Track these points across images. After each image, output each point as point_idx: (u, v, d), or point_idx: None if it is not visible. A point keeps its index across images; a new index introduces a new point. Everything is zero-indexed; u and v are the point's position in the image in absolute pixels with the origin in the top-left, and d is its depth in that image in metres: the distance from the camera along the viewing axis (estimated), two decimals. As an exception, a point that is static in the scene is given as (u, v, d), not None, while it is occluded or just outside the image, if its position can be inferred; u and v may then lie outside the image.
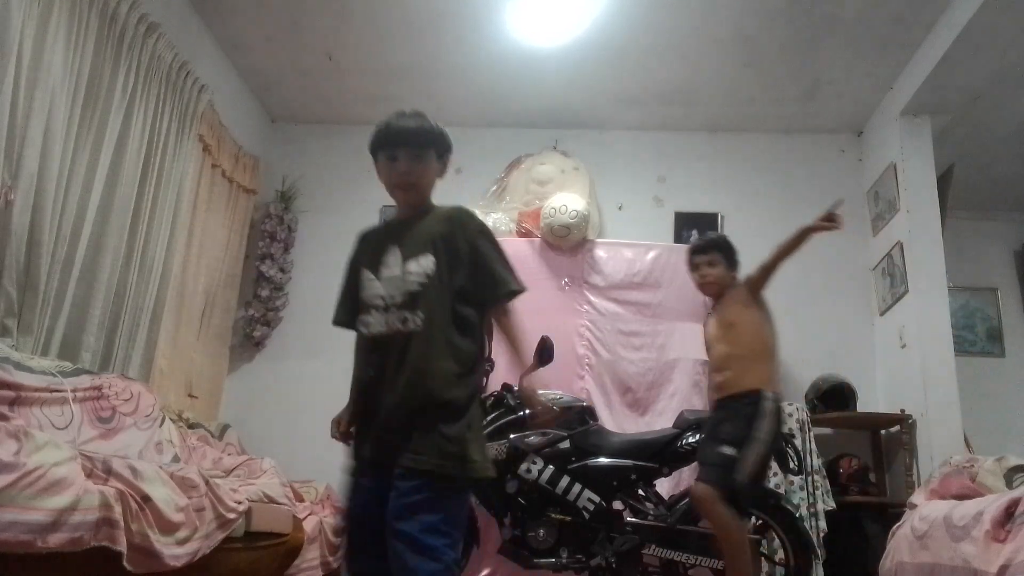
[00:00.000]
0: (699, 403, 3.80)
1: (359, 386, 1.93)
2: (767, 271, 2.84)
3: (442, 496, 1.67)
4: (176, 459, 3.14)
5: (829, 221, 2.78)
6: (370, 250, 1.95)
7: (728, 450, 2.54)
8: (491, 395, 3.30)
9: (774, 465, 3.12)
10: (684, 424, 3.16)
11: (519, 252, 4.10)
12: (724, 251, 2.96)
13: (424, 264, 1.80)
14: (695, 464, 3.40)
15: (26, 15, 2.67)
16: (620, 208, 4.71)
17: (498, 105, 4.67)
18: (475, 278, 1.83)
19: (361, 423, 1.92)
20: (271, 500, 2.92)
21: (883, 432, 4.22)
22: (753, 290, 2.84)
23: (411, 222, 1.91)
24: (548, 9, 3.82)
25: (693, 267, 2.96)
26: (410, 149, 1.91)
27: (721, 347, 2.77)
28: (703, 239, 3.10)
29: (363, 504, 1.77)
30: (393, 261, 1.85)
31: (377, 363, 1.83)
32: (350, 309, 2.02)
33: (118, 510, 1.96)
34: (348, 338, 2.08)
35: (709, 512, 2.60)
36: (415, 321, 1.76)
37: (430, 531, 1.62)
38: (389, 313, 1.81)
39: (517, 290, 1.87)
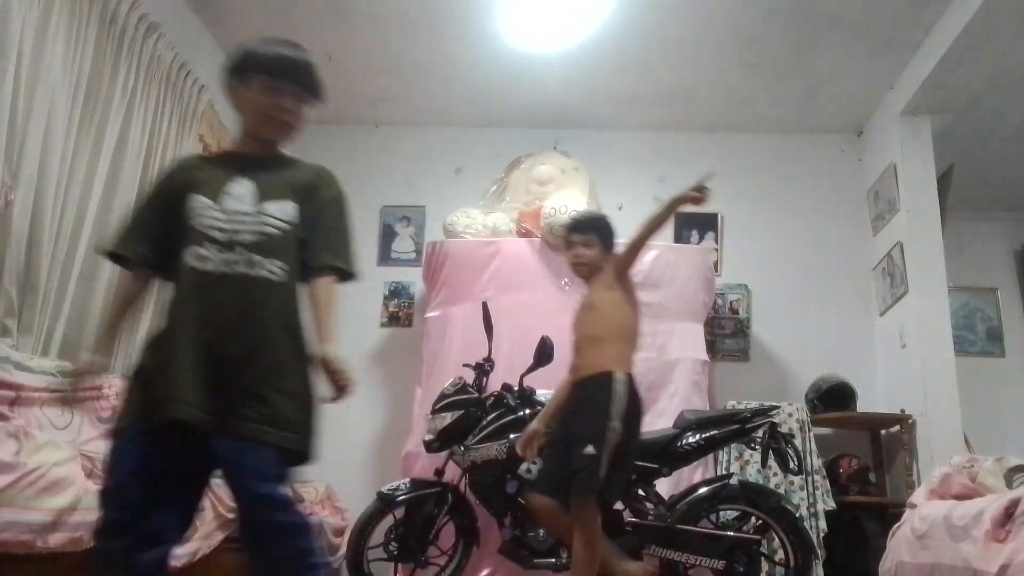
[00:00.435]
0: (699, 403, 3.80)
1: (169, 332, 1.58)
2: (635, 249, 2.74)
3: (289, 462, 1.61)
4: (176, 459, 3.13)
5: (698, 193, 2.64)
6: (204, 176, 1.69)
7: (590, 450, 2.40)
8: (491, 395, 3.30)
9: (774, 465, 3.13)
10: (684, 424, 3.16)
11: (519, 252, 4.10)
12: (602, 233, 2.82)
13: (286, 210, 1.65)
14: (695, 464, 3.43)
15: (26, 15, 2.67)
16: (620, 208, 4.69)
17: (498, 105, 4.67)
18: (315, 238, 1.68)
19: (160, 371, 1.55)
20: (271, 500, 2.91)
21: (883, 432, 4.22)
22: (619, 270, 2.73)
23: (268, 162, 1.74)
24: (548, 10, 3.82)
25: (567, 244, 2.81)
26: (300, 89, 1.73)
27: (581, 329, 2.68)
28: (581, 217, 2.97)
29: (146, 463, 1.52)
30: (243, 194, 1.65)
31: (206, 306, 1.57)
32: (151, 239, 1.68)
33: (118, 510, 1.96)
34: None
35: (552, 523, 2.51)
36: (269, 269, 1.60)
37: (284, 500, 1.57)
38: (232, 252, 1.59)
39: (348, 270, 1.71)
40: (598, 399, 2.50)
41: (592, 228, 2.83)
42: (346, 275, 1.72)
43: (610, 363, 2.56)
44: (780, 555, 3.09)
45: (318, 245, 1.68)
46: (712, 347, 4.28)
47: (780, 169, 4.75)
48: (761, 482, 3.61)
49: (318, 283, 1.67)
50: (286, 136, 1.77)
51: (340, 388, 1.66)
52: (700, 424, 3.13)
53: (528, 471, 3.07)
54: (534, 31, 3.98)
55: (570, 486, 2.43)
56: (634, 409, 2.57)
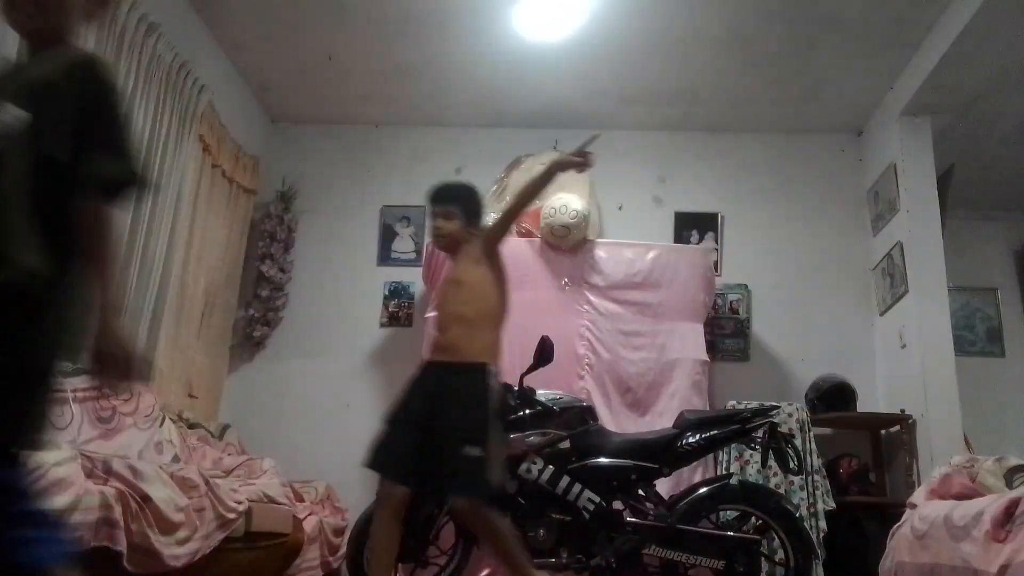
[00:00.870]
0: (699, 403, 3.80)
1: None
2: (508, 220, 2.60)
3: None
4: (176, 459, 3.14)
5: (580, 158, 2.52)
6: None
7: (473, 451, 2.28)
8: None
9: (774, 465, 3.13)
10: (684, 424, 3.16)
11: (519, 252, 4.10)
12: (463, 204, 2.64)
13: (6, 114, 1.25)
14: (695, 464, 3.43)
15: (26, 15, 2.67)
16: (620, 208, 4.71)
17: (498, 105, 4.67)
18: (81, 149, 1.28)
19: None
20: (271, 500, 2.92)
21: (883, 432, 4.22)
22: (489, 244, 2.57)
23: (30, 61, 1.41)
24: (548, 9, 3.82)
25: (431, 215, 2.67)
26: None
27: (449, 306, 2.54)
28: (441, 186, 2.73)
29: None
30: None
31: None
32: None
33: (118, 510, 1.96)
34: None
35: (478, 522, 2.38)
36: None
37: None
38: None
39: (127, 178, 1.33)
40: (475, 394, 2.37)
41: (452, 199, 2.64)
42: (118, 184, 1.32)
43: (484, 353, 2.43)
44: (780, 555, 3.09)
45: (93, 157, 1.29)
46: (712, 347, 4.28)
47: (780, 169, 4.75)
48: (761, 482, 3.61)
49: (92, 210, 1.29)
50: (44, 22, 1.38)
51: (117, 375, 1.29)
52: (700, 424, 3.13)
53: (528, 471, 3.07)
54: (534, 31, 3.98)
55: (451, 485, 2.33)
56: (503, 401, 2.49)
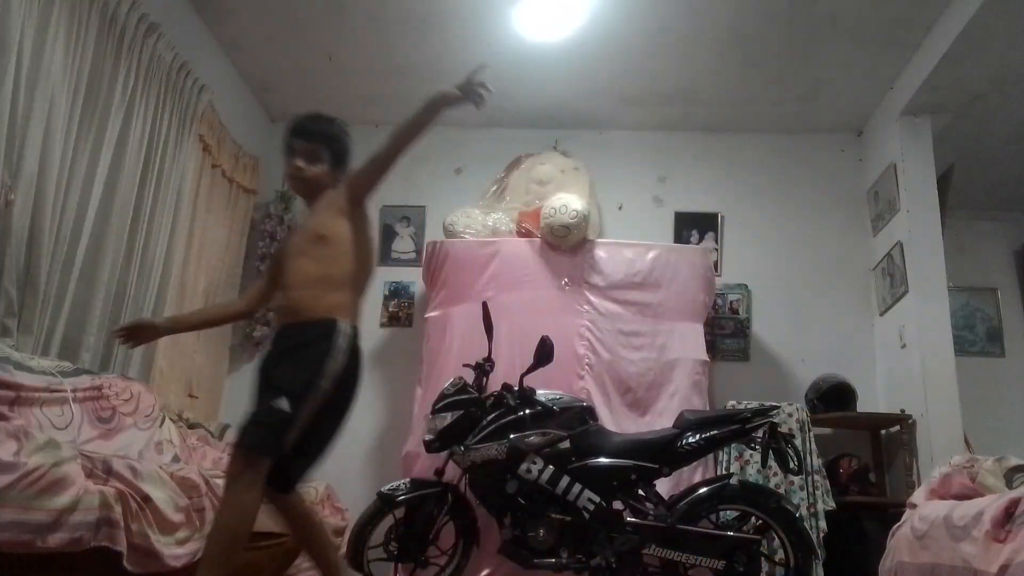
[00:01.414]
0: (699, 403, 3.80)
1: None
2: (380, 168, 2.24)
3: None
4: (176, 459, 3.14)
5: (461, 93, 2.25)
6: None
7: (283, 404, 1.97)
8: (491, 395, 3.30)
9: (774, 465, 3.13)
10: (684, 424, 3.16)
11: (519, 252, 4.10)
12: (333, 144, 2.34)
13: None
14: (695, 464, 3.43)
15: (26, 15, 2.67)
16: (620, 208, 4.71)
17: (498, 105, 4.66)
18: None
19: None
20: (271, 500, 2.91)
21: (883, 432, 4.22)
22: (355, 194, 2.25)
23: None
24: (548, 9, 3.82)
25: (289, 151, 2.34)
26: None
27: (303, 262, 2.20)
28: (307, 119, 2.38)
29: None
30: None
31: None
32: None
33: (118, 510, 1.96)
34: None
35: (233, 483, 1.94)
36: None
37: None
38: None
39: None
40: (312, 349, 2.07)
41: (322, 138, 2.33)
42: None
43: (335, 309, 2.13)
44: (780, 555, 3.09)
45: None
46: (712, 347, 4.28)
47: (780, 169, 4.75)
48: (761, 482, 3.62)
49: None
50: None
51: None
52: (700, 424, 3.13)
53: (528, 471, 3.07)
54: (534, 31, 3.98)
55: (242, 430, 2.01)
56: (352, 373, 2.14)
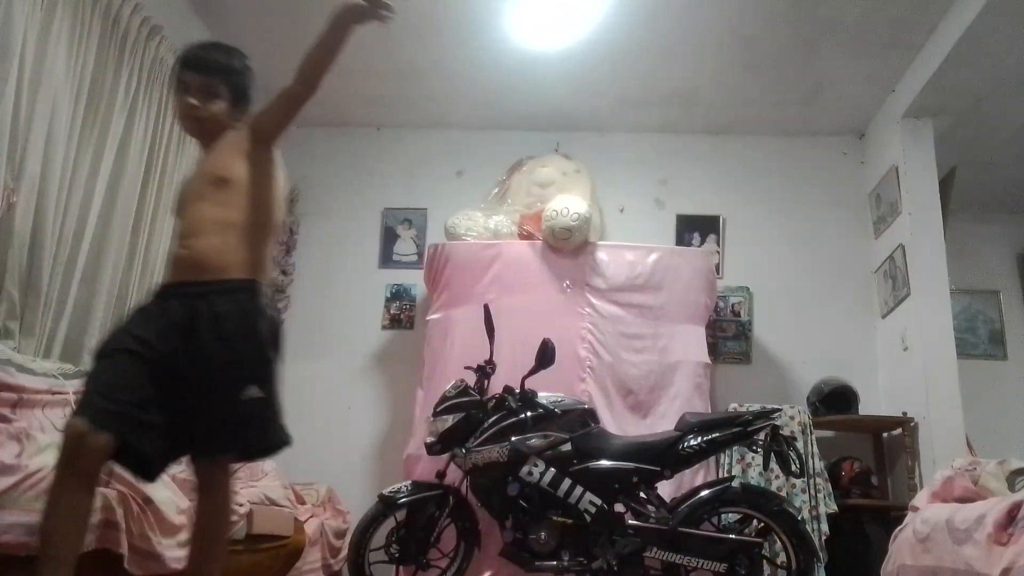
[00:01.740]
0: (701, 406, 3.80)
1: None
2: (291, 103, 2.06)
3: None
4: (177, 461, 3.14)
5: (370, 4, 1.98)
6: None
7: (252, 391, 1.82)
8: (492, 398, 3.30)
9: (776, 468, 3.12)
10: (686, 427, 3.16)
11: (521, 255, 4.10)
12: (233, 79, 2.07)
13: None
14: (697, 467, 3.42)
15: (29, 18, 2.68)
16: (621, 210, 4.71)
17: (500, 108, 4.68)
18: None
19: None
20: (272, 502, 2.92)
21: (885, 435, 4.21)
22: (262, 134, 2.03)
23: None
24: (550, 12, 3.83)
25: (180, 87, 2.03)
26: None
27: (204, 208, 1.94)
28: (202, 50, 2.08)
29: None
30: None
31: None
32: None
33: (119, 512, 1.97)
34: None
35: (223, 488, 1.90)
36: None
37: None
38: None
39: None
40: (244, 321, 1.86)
41: (219, 71, 2.05)
42: None
43: (248, 268, 1.91)
44: (782, 558, 3.09)
45: None
46: (714, 349, 4.28)
47: (782, 171, 4.75)
48: (763, 485, 3.61)
49: None
50: None
51: None
52: (702, 427, 3.13)
53: (530, 474, 3.07)
54: (536, 34, 3.99)
55: (230, 437, 1.84)
56: (273, 329, 1.95)
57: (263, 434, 1.88)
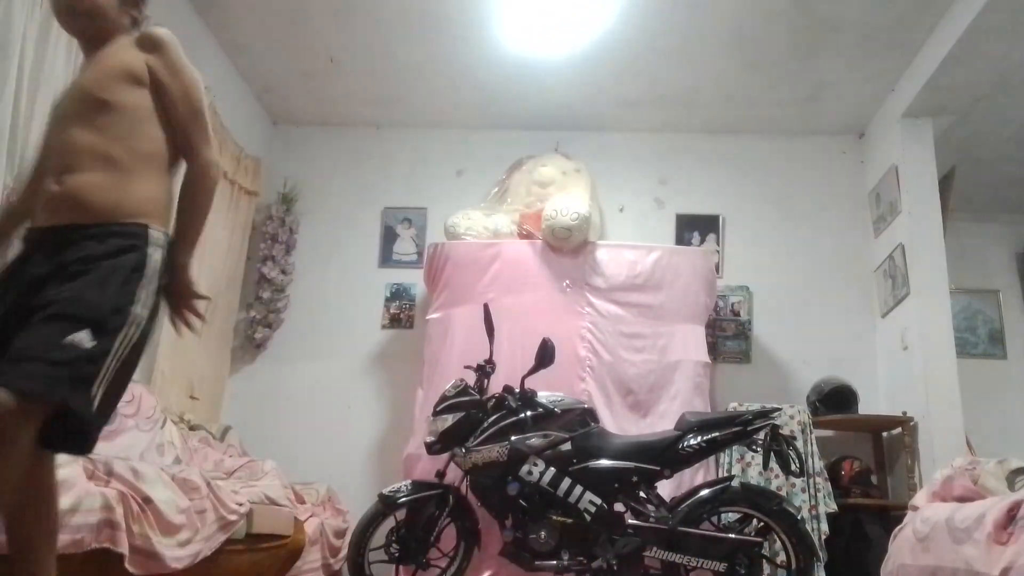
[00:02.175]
0: (701, 405, 3.80)
1: None
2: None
3: None
4: (177, 461, 3.14)
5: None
6: None
7: (83, 339, 1.43)
8: (491, 397, 3.30)
9: (775, 467, 3.12)
10: (686, 426, 3.16)
11: (520, 254, 4.10)
12: None
13: None
14: (697, 466, 3.42)
15: (27, 20, 2.68)
16: (621, 210, 4.71)
17: (499, 107, 4.68)
18: None
19: None
20: (272, 502, 2.92)
21: (885, 434, 4.21)
22: (165, 56, 1.70)
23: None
24: (550, 12, 3.83)
25: None
26: None
27: (79, 134, 1.62)
28: None
29: None
30: None
31: None
32: None
33: (119, 512, 1.97)
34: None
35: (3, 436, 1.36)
36: None
37: None
38: None
39: None
40: (119, 265, 1.53)
41: None
42: None
43: (144, 210, 1.61)
44: (781, 557, 3.09)
45: None
46: (713, 349, 4.29)
47: (781, 171, 4.75)
48: (762, 484, 3.61)
49: None
50: None
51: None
52: (701, 426, 3.13)
53: (529, 473, 3.07)
54: (536, 34, 3.99)
55: (12, 373, 1.38)
56: (157, 305, 1.62)
57: (57, 379, 1.39)
